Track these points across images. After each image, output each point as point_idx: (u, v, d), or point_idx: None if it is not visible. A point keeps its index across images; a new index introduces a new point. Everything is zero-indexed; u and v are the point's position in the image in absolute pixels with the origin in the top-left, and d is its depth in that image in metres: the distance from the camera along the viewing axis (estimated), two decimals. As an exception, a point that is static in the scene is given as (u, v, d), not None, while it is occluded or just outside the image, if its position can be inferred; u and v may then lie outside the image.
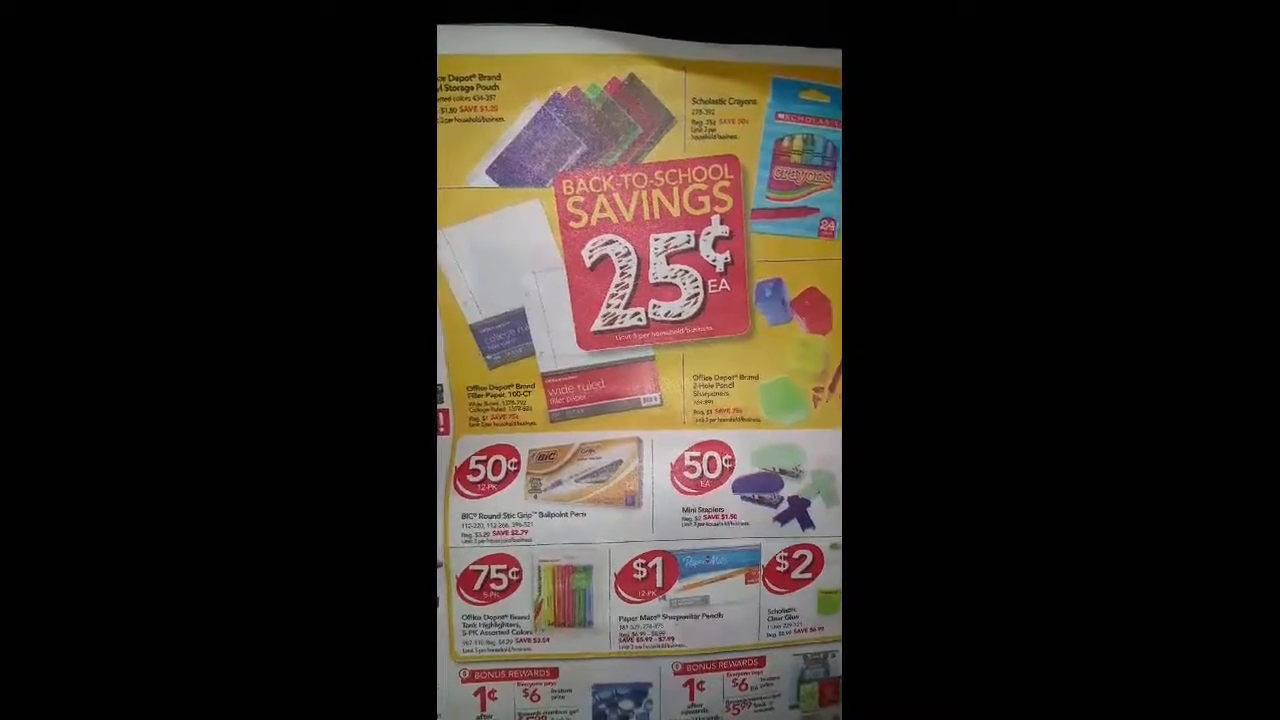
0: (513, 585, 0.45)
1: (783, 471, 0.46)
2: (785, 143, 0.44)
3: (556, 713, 0.45)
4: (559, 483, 0.45)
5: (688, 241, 0.44)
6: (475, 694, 0.45)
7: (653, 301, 0.44)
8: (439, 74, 0.41)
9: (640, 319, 0.44)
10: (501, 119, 0.42)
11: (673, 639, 0.45)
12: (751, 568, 0.46)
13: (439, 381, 0.44)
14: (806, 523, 0.46)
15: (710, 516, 0.45)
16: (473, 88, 0.42)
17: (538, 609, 0.45)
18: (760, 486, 0.46)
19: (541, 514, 0.44)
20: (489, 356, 0.44)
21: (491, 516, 0.44)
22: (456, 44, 0.41)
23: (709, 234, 0.44)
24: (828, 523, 0.46)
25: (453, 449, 0.45)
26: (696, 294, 0.44)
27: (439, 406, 0.44)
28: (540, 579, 0.45)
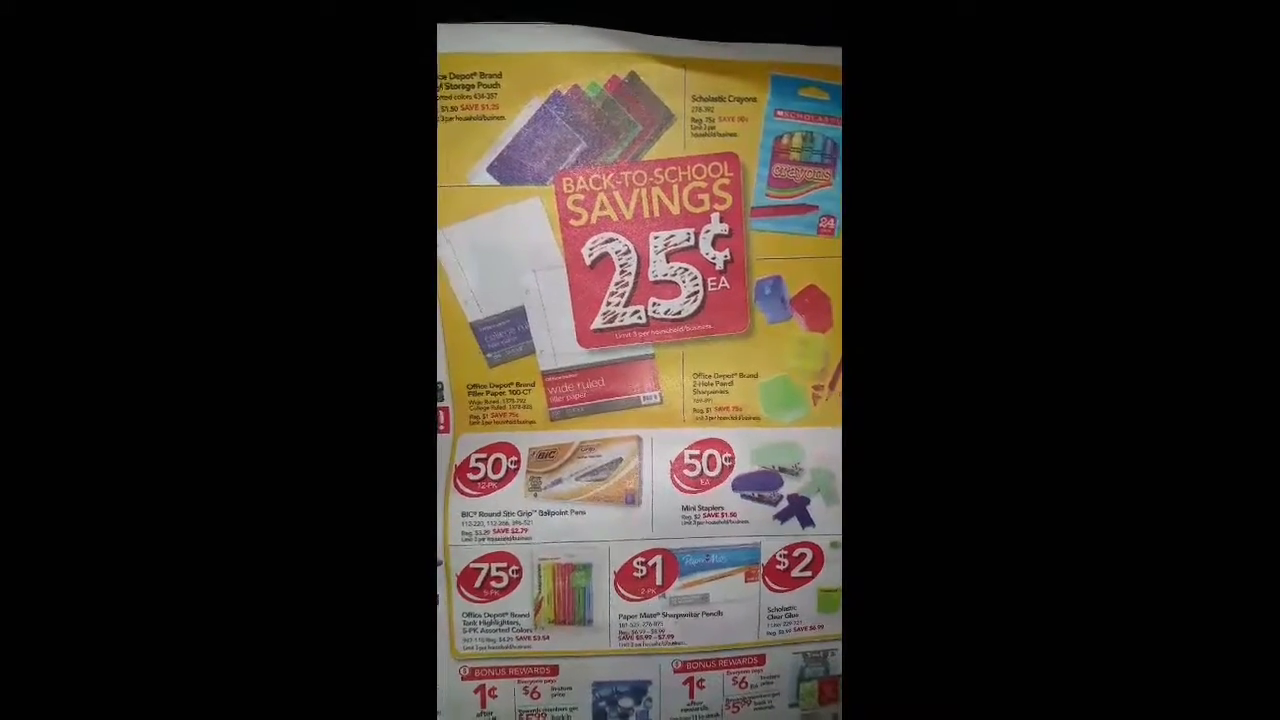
0: (513, 583, 0.45)
1: (782, 469, 0.46)
2: (785, 140, 0.44)
3: (556, 710, 0.45)
4: (559, 481, 0.45)
5: (687, 239, 0.44)
6: (475, 691, 0.45)
7: (652, 299, 0.44)
8: (440, 72, 0.41)
9: (640, 317, 0.44)
10: (502, 117, 0.42)
11: (672, 637, 0.45)
12: (751, 566, 0.46)
13: (439, 380, 0.44)
14: (806, 521, 0.46)
15: (710, 515, 0.45)
16: (473, 86, 0.42)
17: (538, 607, 0.45)
18: (760, 485, 0.46)
19: (541, 512, 0.44)
20: (489, 355, 0.44)
21: (491, 514, 0.44)
22: (457, 42, 0.41)
23: (709, 232, 0.44)
24: (827, 521, 0.46)
25: (453, 447, 0.45)
26: (696, 292, 0.44)
27: (439, 405, 0.44)
28: (540, 577, 0.45)
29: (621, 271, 0.44)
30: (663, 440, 0.45)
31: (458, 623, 0.45)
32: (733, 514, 0.45)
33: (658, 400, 0.45)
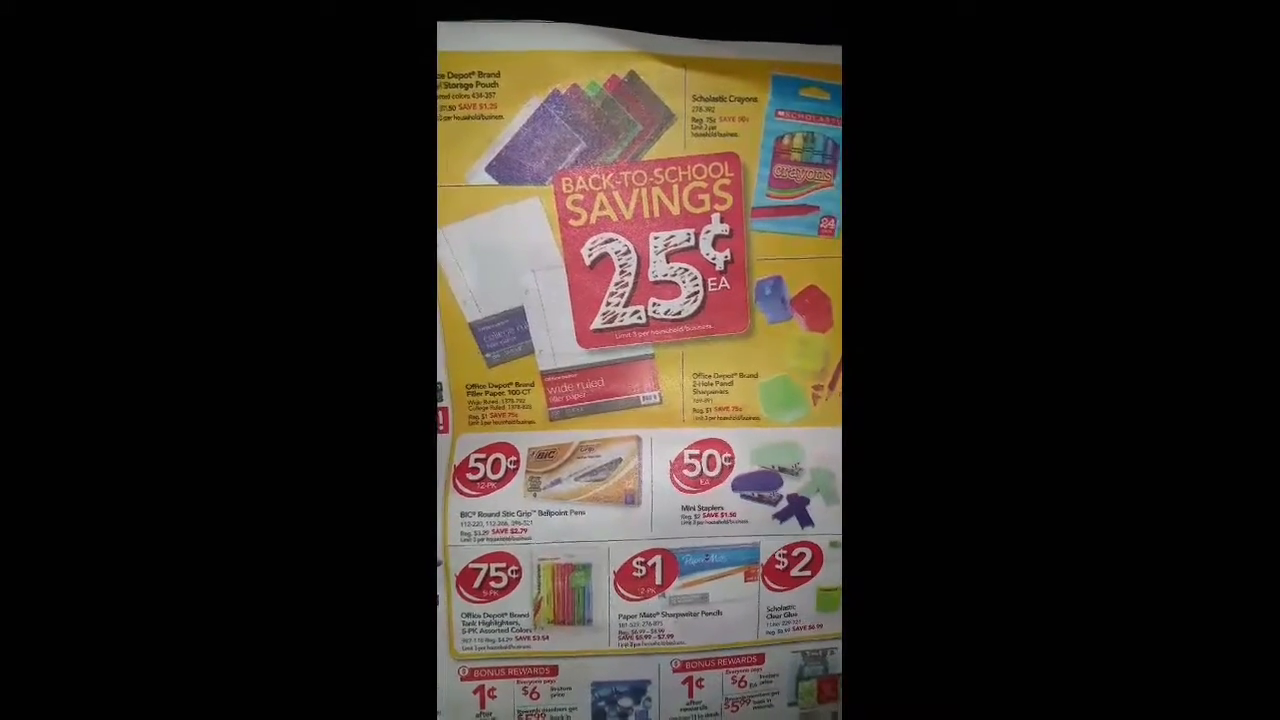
0: (512, 583, 0.45)
1: (782, 469, 0.46)
2: (785, 140, 0.44)
3: (556, 710, 0.45)
4: (558, 481, 0.45)
5: (687, 239, 0.44)
6: (475, 692, 0.45)
7: (652, 300, 0.44)
8: (438, 71, 0.41)
9: (640, 317, 0.44)
10: (501, 116, 0.42)
11: (672, 636, 0.45)
12: (751, 565, 0.46)
13: (438, 380, 0.44)
14: (806, 520, 0.46)
15: (710, 514, 0.45)
16: (472, 85, 0.42)
17: (537, 607, 0.45)
18: (760, 484, 0.46)
19: (541, 512, 0.44)
20: (488, 355, 0.44)
21: (491, 515, 0.44)
22: (456, 41, 0.41)
23: (709, 232, 0.44)
24: (827, 520, 0.46)
25: (452, 447, 0.45)
26: (696, 292, 0.44)
27: (438, 405, 0.44)
28: (539, 577, 0.45)
29: (621, 272, 0.44)
30: (662, 440, 0.45)
31: (457, 623, 0.45)
32: (732, 514, 0.45)
33: (657, 400, 0.45)
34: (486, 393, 0.45)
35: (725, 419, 0.46)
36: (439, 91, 0.41)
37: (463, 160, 0.42)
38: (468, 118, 0.42)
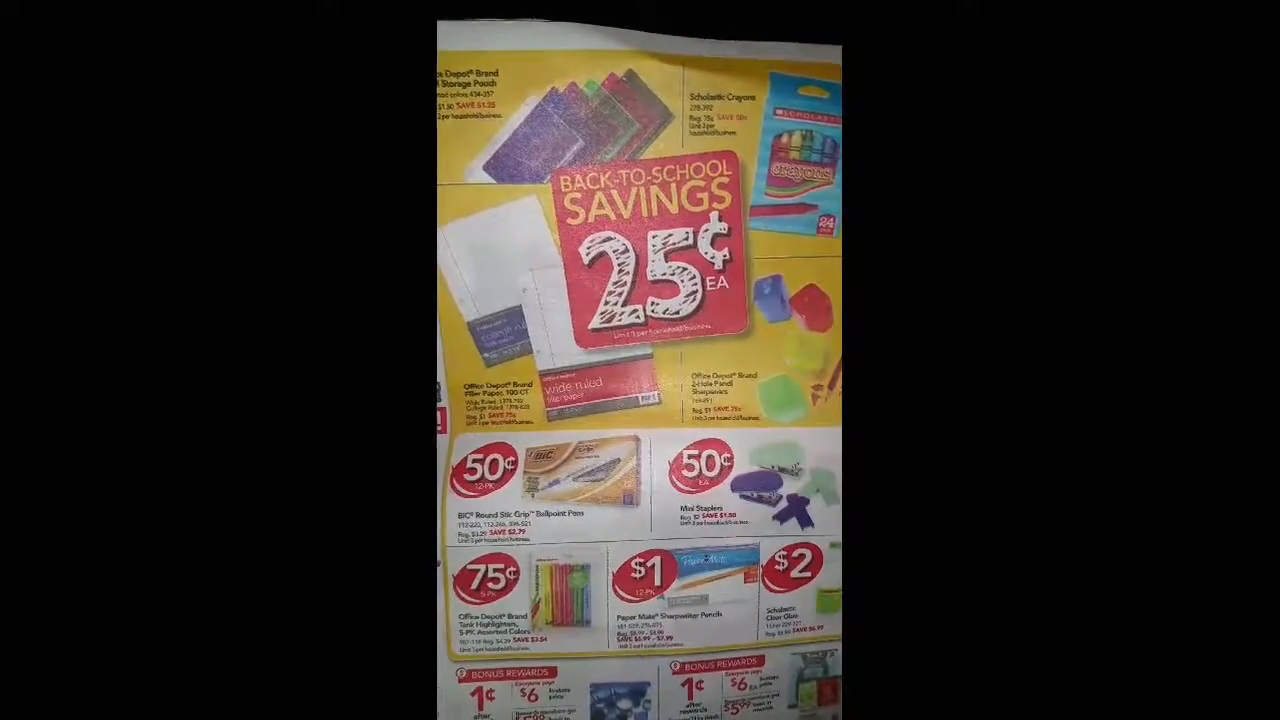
0: (510, 584, 0.44)
1: (782, 470, 0.46)
2: (784, 139, 0.43)
3: (554, 712, 0.45)
4: (556, 481, 0.45)
5: (686, 238, 0.44)
6: (472, 693, 0.45)
7: (651, 299, 0.44)
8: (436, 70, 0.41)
9: (638, 316, 0.44)
10: (499, 115, 0.42)
11: (671, 638, 0.45)
12: (750, 566, 0.45)
13: (436, 379, 0.44)
14: (805, 521, 0.46)
15: (709, 515, 0.45)
16: (470, 84, 0.41)
17: (535, 608, 0.44)
18: (759, 485, 0.45)
19: (539, 513, 0.44)
20: (486, 354, 0.44)
21: (489, 515, 0.44)
22: (454, 40, 0.41)
23: (707, 231, 0.43)
24: (827, 521, 0.46)
25: (450, 447, 0.45)
26: (695, 291, 0.44)
27: (436, 405, 0.44)
28: (538, 578, 0.44)
29: (619, 270, 0.43)
30: (661, 440, 0.45)
31: (454, 624, 0.44)
32: (732, 514, 0.45)
33: (656, 400, 0.45)
34: (484, 393, 0.44)
35: (724, 419, 0.46)
36: (437, 90, 0.41)
37: (460, 159, 0.42)
38: (465, 116, 0.42)
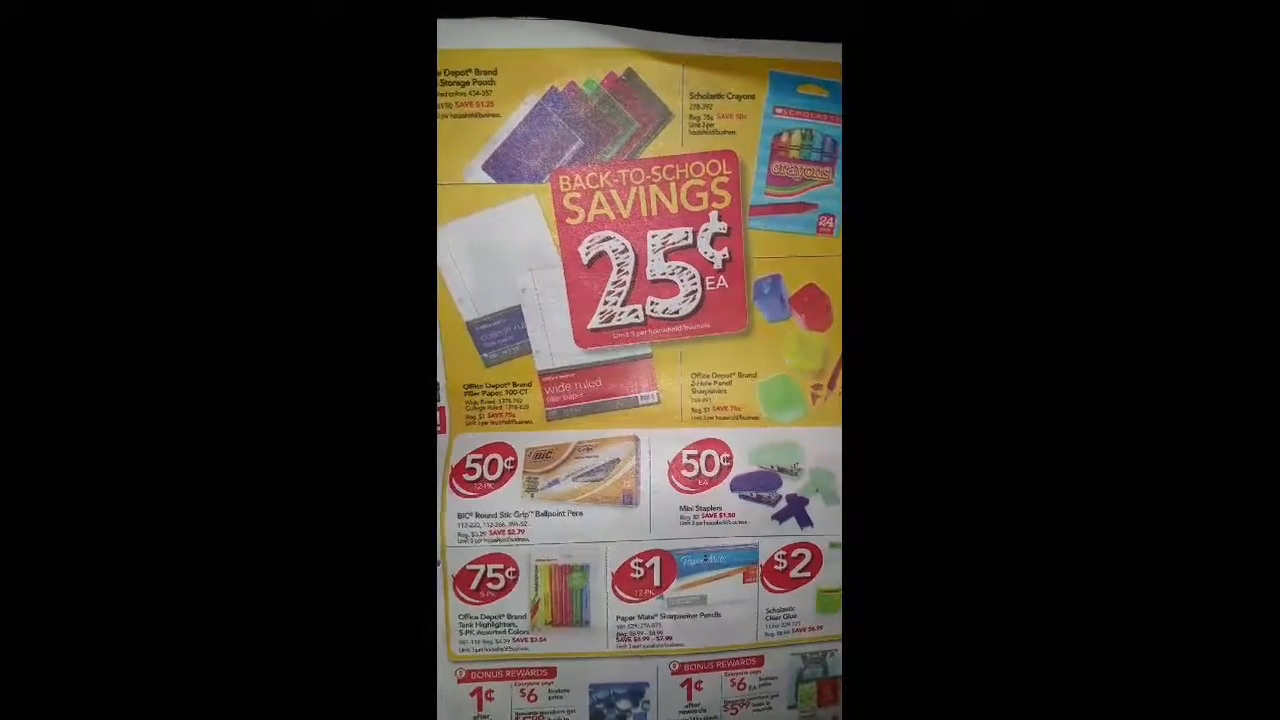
0: (509, 585, 0.44)
1: (781, 469, 0.46)
2: (784, 138, 0.43)
3: (553, 713, 0.45)
4: (556, 481, 0.44)
5: (685, 238, 0.43)
6: (472, 694, 0.45)
7: (650, 298, 0.44)
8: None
9: (638, 316, 0.44)
10: (498, 114, 0.42)
11: (670, 638, 0.45)
12: (749, 566, 0.45)
13: (435, 379, 0.44)
14: (805, 521, 0.46)
15: (708, 515, 0.45)
16: (469, 83, 0.41)
17: (535, 609, 0.44)
18: (758, 485, 0.45)
19: (538, 513, 0.44)
20: (485, 354, 0.44)
21: (488, 516, 0.44)
22: (452, 38, 0.41)
23: (707, 230, 0.43)
24: (826, 521, 0.46)
25: (449, 447, 0.45)
26: (694, 291, 0.44)
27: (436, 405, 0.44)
28: (537, 578, 0.44)
29: (619, 270, 0.43)
30: (660, 440, 0.45)
31: (454, 624, 0.44)
32: (731, 514, 0.45)
33: (655, 400, 0.45)
34: (484, 393, 0.44)
35: (724, 419, 0.46)
36: (437, 89, 0.41)
37: (459, 158, 0.42)
38: (464, 116, 0.42)
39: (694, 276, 0.44)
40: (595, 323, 0.44)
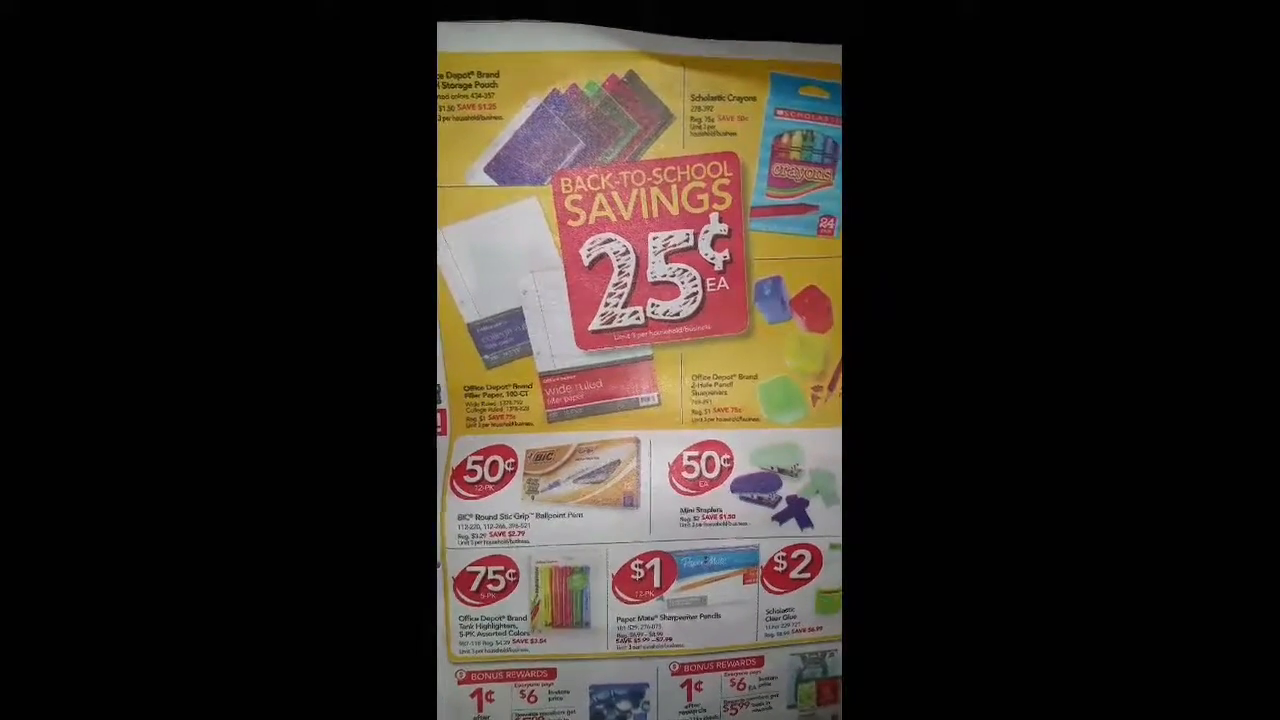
0: (510, 586, 0.44)
1: (781, 471, 0.46)
2: (784, 139, 0.43)
3: (554, 714, 0.45)
4: (556, 483, 0.44)
5: (686, 240, 0.43)
6: (472, 695, 0.45)
7: (651, 300, 0.44)
8: (437, 71, 0.41)
9: (638, 318, 0.44)
10: (499, 117, 0.42)
11: (670, 639, 0.45)
12: (750, 568, 0.45)
13: (436, 381, 0.44)
14: (805, 522, 0.46)
15: (709, 516, 0.45)
16: (470, 85, 0.41)
17: (535, 610, 0.44)
18: (759, 486, 0.45)
19: (539, 515, 0.44)
20: (486, 356, 0.44)
21: (488, 517, 0.44)
22: (454, 41, 0.41)
23: (708, 232, 0.43)
24: (826, 522, 0.46)
25: (449, 449, 0.45)
26: (695, 293, 0.44)
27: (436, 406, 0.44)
28: (537, 580, 0.44)
29: (620, 272, 0.43)
30: (661, 442, 0.45)
31: (454, 626, 0.44)
32: (731, 516, 0.45)
33: (656, 402, 0.45)
34: (484, 394, 0.44)
35: (724, 420, 0.46)
36: (438, 92, 0.41)
37: (461, 161, 0.42)
38: (466, 118, 0.42)
39: (695, 278, 0.44)
40: (596, 324, 0.44)
